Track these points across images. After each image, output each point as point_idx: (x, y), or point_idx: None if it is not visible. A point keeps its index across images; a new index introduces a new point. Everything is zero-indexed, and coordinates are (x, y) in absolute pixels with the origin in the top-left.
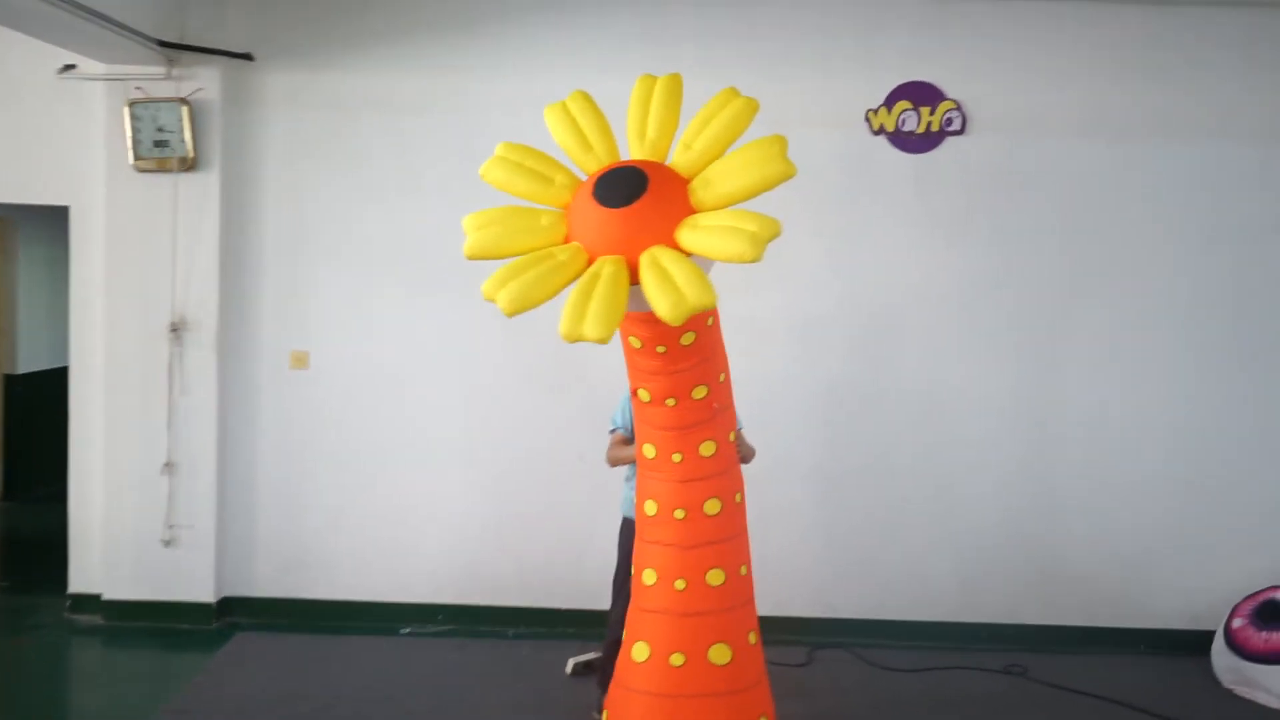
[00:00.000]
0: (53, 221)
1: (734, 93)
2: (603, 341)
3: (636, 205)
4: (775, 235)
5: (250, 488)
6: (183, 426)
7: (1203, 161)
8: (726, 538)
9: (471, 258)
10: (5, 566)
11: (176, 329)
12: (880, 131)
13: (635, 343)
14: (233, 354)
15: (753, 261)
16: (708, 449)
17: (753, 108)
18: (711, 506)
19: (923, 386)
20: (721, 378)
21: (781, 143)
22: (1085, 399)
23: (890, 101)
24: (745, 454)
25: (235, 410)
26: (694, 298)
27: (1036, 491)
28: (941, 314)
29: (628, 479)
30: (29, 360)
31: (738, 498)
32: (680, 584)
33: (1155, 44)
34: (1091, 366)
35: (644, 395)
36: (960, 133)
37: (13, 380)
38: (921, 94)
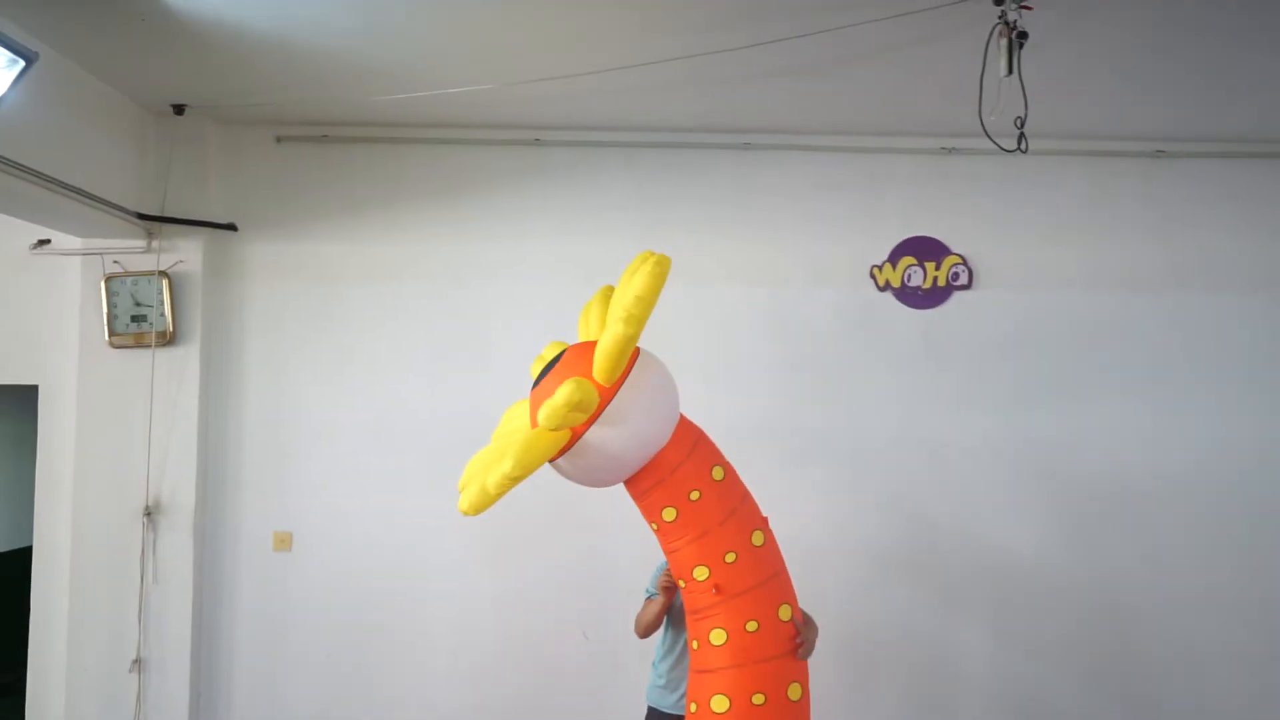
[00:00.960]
0: (16, 398)
1: (647, 255)
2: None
3: (543, 381)
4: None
5: (228, 686)
6: (155, 619)
7: (1206, 311)
8: None
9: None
10: None
11: (150, 513)
12: (886, 288)
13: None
14: (211, 537)
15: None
16: (718, 638)
17: (662, 265)
18: (718, 704)
19: (948, 558)
20: (730, 558)
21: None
22: (1112, 569)
23: (895, 257)
24: (807, 637)
25: (212, 600)
26: (472, 492)
27: (1069, 662)
28: (957, 480)
29: (655, 662)
30: None
31: (757, 699)
32: None
33: (1152, 195)
34: (1117, 532)
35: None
36: (968, 287)
37: None
38: (926, 249)
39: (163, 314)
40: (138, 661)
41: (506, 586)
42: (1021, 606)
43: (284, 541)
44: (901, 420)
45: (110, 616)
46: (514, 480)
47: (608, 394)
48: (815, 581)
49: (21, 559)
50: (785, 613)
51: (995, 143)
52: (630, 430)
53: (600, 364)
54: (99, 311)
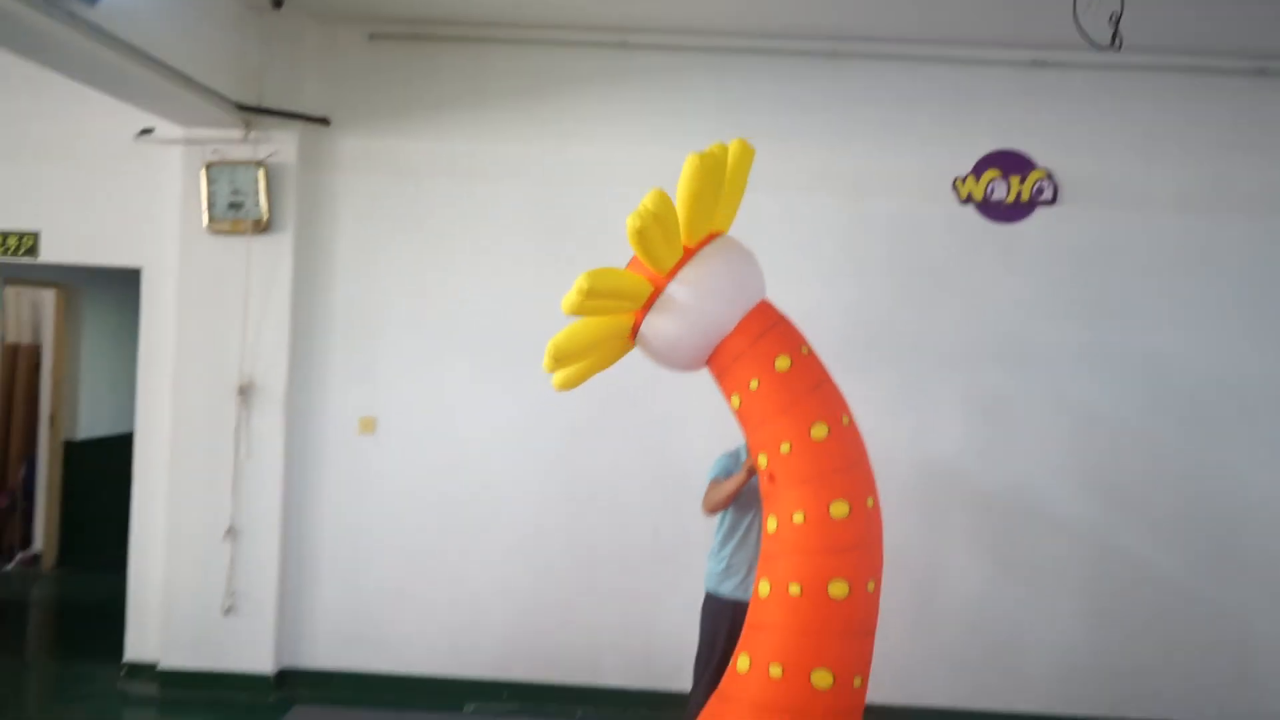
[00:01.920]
0: (118, 288)
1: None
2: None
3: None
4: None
5: (313, 555)
6: (247, 491)
7: None
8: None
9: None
10: (59, 634)
11: (244, 392)
12: (968, 200)
13: None
14: (300, 418)
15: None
16: (770, 523)
17: (748, 154)
18: (794, 588)
19: (1017, 465)
20: (785, 448)
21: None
22: (1185, 482)
23: (979, 170)
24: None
25: (300, 475)
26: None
27: (1138, 579)
28: (1033, 390)
29: (713, 553)
30: (89, 427)
31: (835, 586)
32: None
33: (1254, 116)
34: (1192, 445)
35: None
36: (1052, 203)
37: (73, 447)
38: (1012, 163)
39: (258, 202)
40: (231, 530)
41: (576, 477)
42: (1068, 509)
43: (369, 425)
44: (978, 330)
45: (206, 488)
46: (554, 361)
47: (660, 284)
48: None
49: (121, 445)
50: (870, 501)
51: (1088, 39)
52: (679, 318)
53: (640, 256)
54: (198, 198)
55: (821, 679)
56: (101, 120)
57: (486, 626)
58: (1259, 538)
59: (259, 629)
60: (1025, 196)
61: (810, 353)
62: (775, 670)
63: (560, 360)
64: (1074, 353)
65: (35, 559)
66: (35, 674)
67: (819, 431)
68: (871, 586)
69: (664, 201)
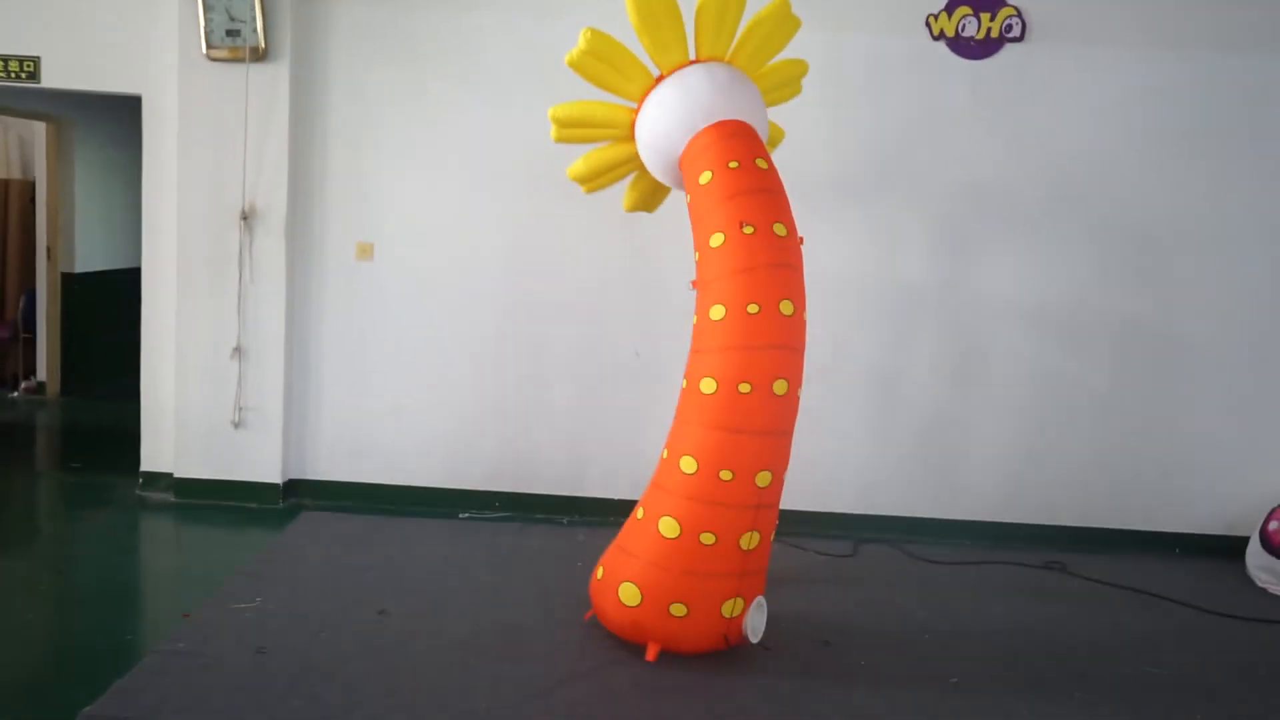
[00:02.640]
0: (109, 121)
1: (786, 6)
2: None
3: None
4: None
5: (316, 374)
6: (252, 313)
7: (1253, 75)
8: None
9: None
10: (73, 451)
11: (247, 217)
12: (940, 37)
13: None
14: (300, 243)
15: None
16: (716, 313)
17: (797, 25)
18: (706, 385)
19: (974, 292)
20: (715, 240)
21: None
22: (1129, 308)
23: (951, 7)
24: None
25: (302, 298)
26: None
27: (1075, 399)
28: (995, 221)
29: None
30: (86, 261)
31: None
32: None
33: None
34: (1138, 275)
35: None
36: (1020, 39)
37: (70, 279)
38: (983, 0)
39: (255, 30)
40: (238, 349)
41: (564, 296)
42: (1019, 336)
43: (366, 251)
44: (944, 165)
45: (213, 310)
46: (555, 123)
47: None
48: (851, 311)
49: (115, 279)
50: (786, 307)
51: None
52: (655, 112)
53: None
54: (196, 25)
55: (725, 474)
56: None
57: (478, 440)
58: (1184, 360)
59: (267, 442)
60: (995, 33)
61: (767, 165)
62: (687, 464)
63: (560, 126)
64: (1033, 191)
65: (39, 387)
66: (56, 484)
67: (749, 229)
68: (783, 388)
69: (596, 37)
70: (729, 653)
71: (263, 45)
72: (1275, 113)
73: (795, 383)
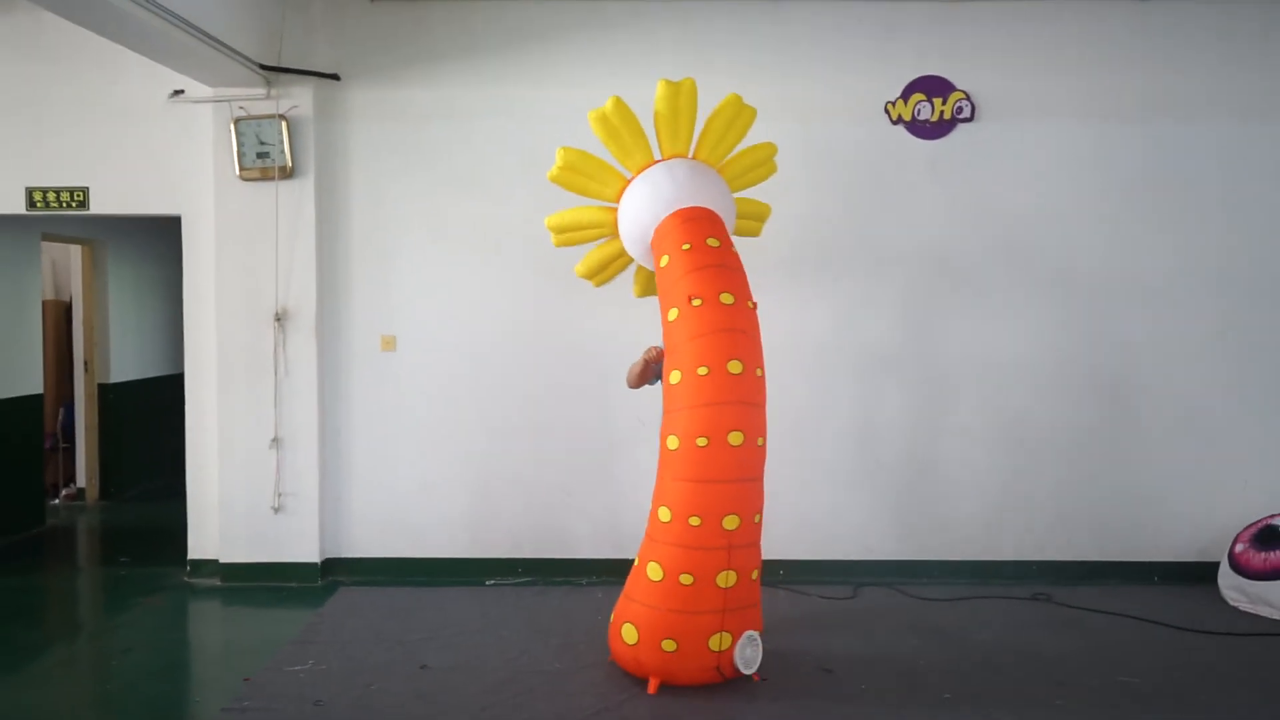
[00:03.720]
0: (138, 243)
1: (738, 100)
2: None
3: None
4: None
5: (348, 458)
6: (287, 405)
7: (1181, 140)
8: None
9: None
10: (119, 549)
11: (280, 318)
12: (899, 121)
13: None
14: (329, 339)
15: None
16: (674, 378)
17: (753, 114)
18: (671, 443)
19: (944, 349)
20: (671, 315)
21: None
22: (1088, 358)
23: (906, 94)
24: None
25: (333, 389)
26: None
27: (1047, 443)
28: (959, 282)
29: None
30: (120, 371)
31: (700, 440)
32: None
33: (1140, 33)
34: (1095, 325)
35: None
36: (970, 120)
37: (105, 389)
38: (934, 86)
39: (283, 151)
40: (276, 440)
41: (570, 372)
42: (991, 386)
43: (389, 343)
44: (909, 235)
45: (252, 405)
46: (552, 230)
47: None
48: (834, 372)
49: (148, 387)
50: (735, 366)
51: None
52: (633, 197)
53: (603, 141)
54: (229, 150)
55: (694, 520)
56: (137, 82)
57: (500, 512)
58: (1144, 401)
59: (305, 524)
60: (948, 115)
61: (720, 243)
62: (664, 513)
63: (557, 233)
64: (992, 254)
65: (79, 493)
66: (109, 578)
67: (696, 301)
68: (738, 439)
69: (569, 154)
70: (735, 683)
71: (290, 164)
72: (1208, 172)
73: (752, 433)
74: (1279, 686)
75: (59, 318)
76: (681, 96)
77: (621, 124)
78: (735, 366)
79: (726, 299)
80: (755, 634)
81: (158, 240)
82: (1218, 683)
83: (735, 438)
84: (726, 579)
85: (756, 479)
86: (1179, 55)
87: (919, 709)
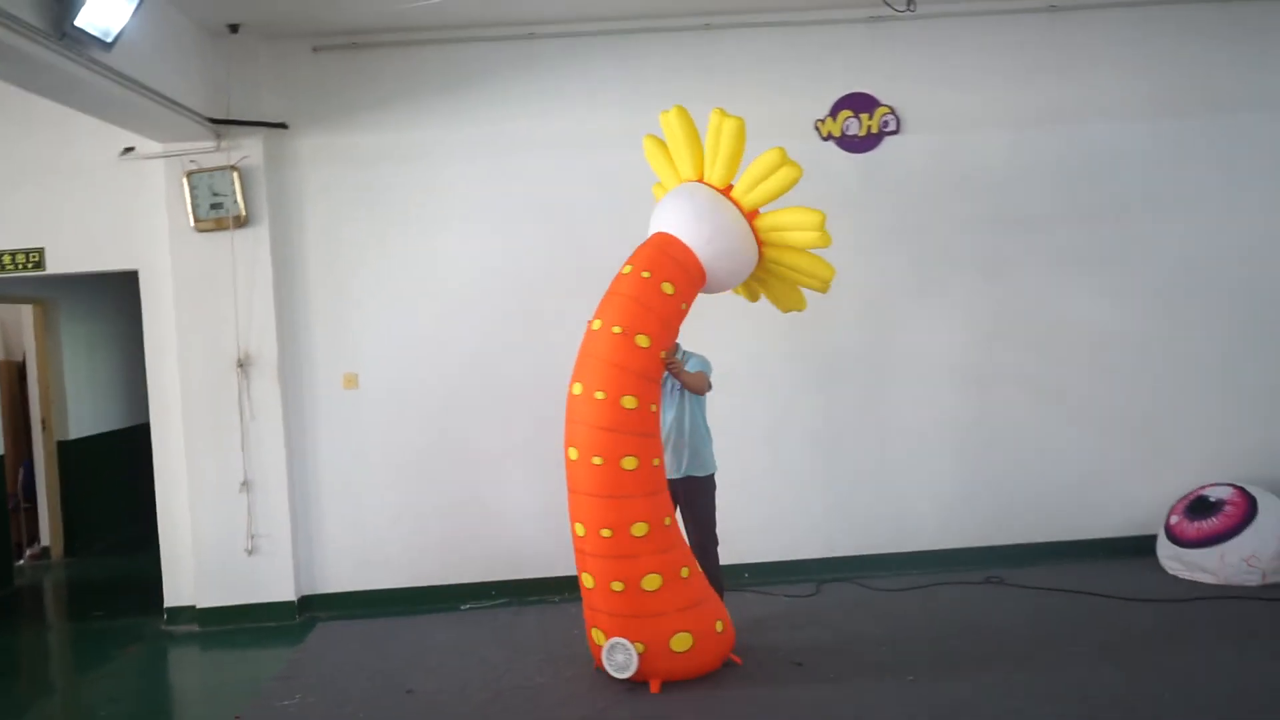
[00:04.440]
0: (90, 299)
1: (783, 154)
2: None
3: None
4: None
5: (318, 496)
6: (255, 449)
7: (1094, 140)
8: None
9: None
10: (91, 604)
11: (243, 364)
12: (829, 138)
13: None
14: (292, 380)
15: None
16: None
17: (795, 173)
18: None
19: (890, 355)
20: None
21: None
22: (1021, 354)
23: (835, 111)
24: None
25: (299, 429)
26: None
27: (994, 434)
28: (896, 291)
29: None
30: (78, 427)
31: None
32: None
33: (1051, 45)
34: (1027, 321)
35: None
36: (896, 133)
37: (65, 446)
38: (861, 103)
39: (236, 201)
40: (245, 483)
41: (540, 409)
42: (935, 389)
43: (351, 380)
44: (846, 247)
45: (220, 451)
46: None
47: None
48: (793, 381)
49: (105, 442)
50: (576, 388)
51: (890, 5)
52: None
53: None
54: (183, 203)
55: (605, 532)
56: (86, 140)
57: (471, 538)
58: (1076, 391)
59: (279, 564)
60: (875, 129)
61: (648, 276)
62: (579, 528)
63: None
64: (927, 260)
65: (43, 552)
66: (86, 632)
67: (595, 324)
68: (574, 455)
69: (682, 112)
70: (713, 676)
71: (244, 213)
72: (1126, 168)
73: (585, 451)
74: (1216, 643)
75: (12, 377)
76: (724, 131)
77: (684, 134)
78: (576, 388)
79: (595, 324)
80: (622, 641)
81: (109, 295)
82: (1161, 644)
83: (572, 453)
84: (587, 580)
85: (594, 494)
86: (1087, 62)
87: (885, 692)
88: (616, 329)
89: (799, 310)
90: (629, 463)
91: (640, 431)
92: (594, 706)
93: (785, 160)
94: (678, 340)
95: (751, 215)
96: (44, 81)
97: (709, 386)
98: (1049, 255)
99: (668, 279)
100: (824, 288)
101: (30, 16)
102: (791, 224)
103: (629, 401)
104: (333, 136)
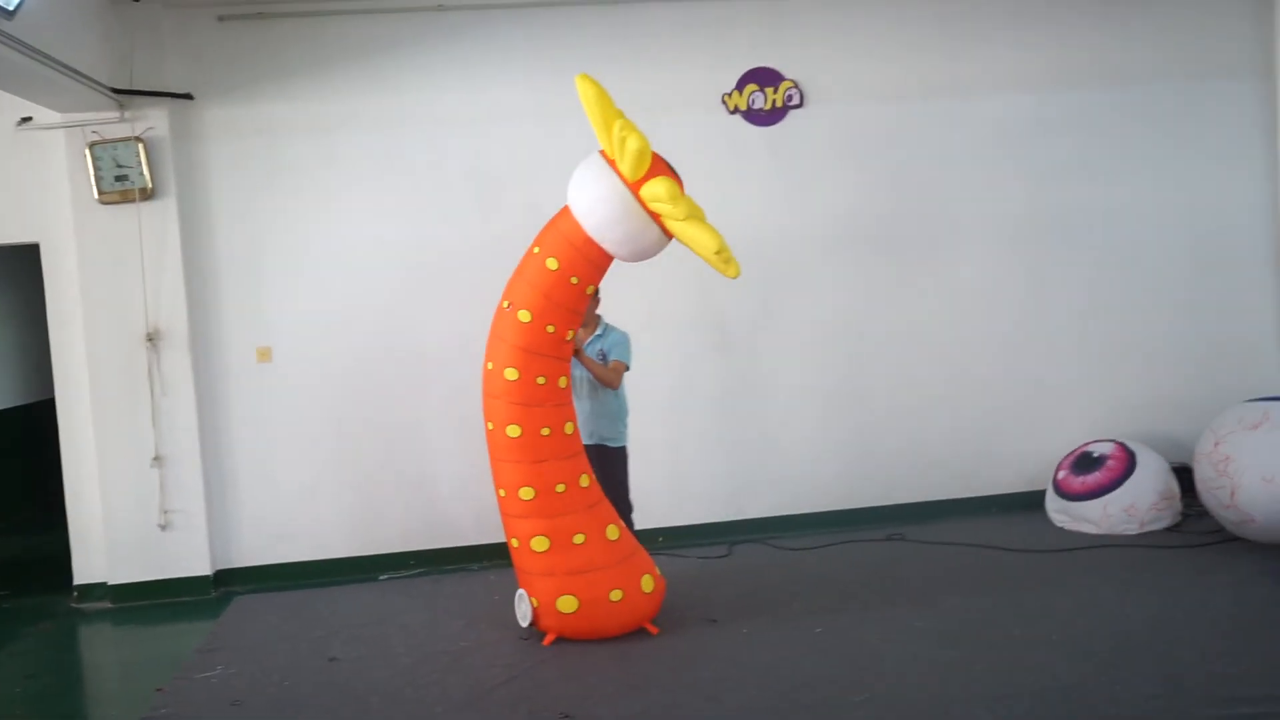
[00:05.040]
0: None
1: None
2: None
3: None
4: None
5: (232, 470)
6: (167, 423)
7: (989, 112)
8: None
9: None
10: None
11: (152, 339)
12: (735, 111)
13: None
14: (204, 355)
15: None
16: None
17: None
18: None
19: (790, 321)
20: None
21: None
22: (916, 319)
23: (741, 85)
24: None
25: (211, 403)
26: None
27: (893, 394)
28: (794, 258)
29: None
30: None
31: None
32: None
33: (943, 18)
34: (917, 286)
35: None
36: (800, 106)
37: None
38: (766, 77)
39: (141, 173)
40: (157, 459)
41: (449, 377)
42: (836, 350)
43: (265, 354)
44: (753, 216)
45: (130, 426)
46: None
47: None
48: (691, 347)
49: (11, 417)
50: (489, 364)
51: None
52: None
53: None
54: (86, 175)
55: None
56: None
57: (387, 508)
58: (967, 349)
59: (193, 538)
60: (780, 103)
61: (538, 251)
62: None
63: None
64: (825, 230)
65: None
66: None
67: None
68: (490, 426)
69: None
70: (630, 637)
71: (150, 185)
72: (1011, 140)
73: (497, 422)
74: (1097, 588)
75: None
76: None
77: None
78: (489, 364)
79: (504, 304)
80: (521, 591)
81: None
82: (1048, 591)
83: (488, 425)
84: (512, 542)
85: (501, 460)
86: (977, 36)
87: (795, 643)
88: (505, 304)
89: (729, 276)
90: (513, 430)
91: (522, 401)
92: (519, 667)
93: (628, 128)
94: (598, 313)
95: (635, 186)
96: None
97: (619, 382)
98: (940, 223)
99: (553, 254)
100: (721, 265)
101: None
102: (653, 195)
103: (510, 374)
104: (240, 108)
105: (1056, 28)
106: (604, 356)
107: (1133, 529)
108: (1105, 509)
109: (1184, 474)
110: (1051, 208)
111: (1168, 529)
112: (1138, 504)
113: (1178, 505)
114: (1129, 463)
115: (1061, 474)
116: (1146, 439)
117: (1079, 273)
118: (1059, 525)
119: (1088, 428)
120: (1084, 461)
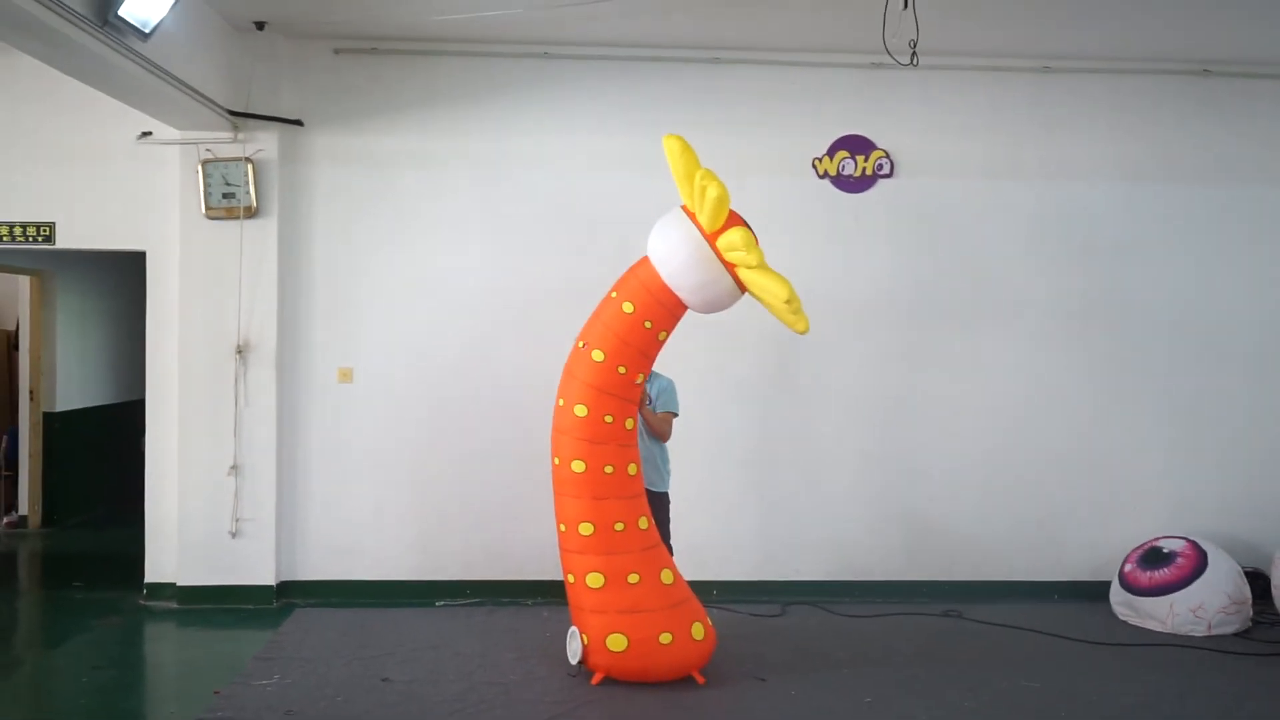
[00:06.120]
0: (87, 275)
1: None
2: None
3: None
4: None
5: (304, 485)
6: (246, 434)
7: (1073, 197)
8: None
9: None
10: (69, 574)
11: (241, 351)
12: (825, 176)
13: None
14: (289, 371)
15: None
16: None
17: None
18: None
19: (862, 385)
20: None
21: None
22: (989, 397)
23: (832, 151)
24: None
25: (291, 419)
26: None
27: (959, 469)
28: (871, 325)
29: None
30: (65, 400)
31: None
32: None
33: (1038, 103)
34: (999, 361)
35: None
36: (890, 176)
37: (51, 417)
38: (857, 145)
39: (248, 192)
40: (235, 467)
41: (524, 414)
42: (920, 424)
43: (346, 375)
44: (842, 277)
45: (212, 433)
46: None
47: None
48: (759, 406)
49: (91, 416)
50: (633, 468)
51: (893, 58)
52: None
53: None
54: (196, 190)
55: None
56: (105, 124)
57: (450, 536)
58: (1048, 438)
59: (261, 548)
60: (869, 171)
61: (615, 296)
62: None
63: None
64: (907, 293)
65: (21, 520)
66: (65, 601)
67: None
68: (609, 470)
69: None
70: (677, 684)
71: (254, 204)
72: (1099, 224)
73: (564, 458)
74: (1158, 688)
75: (2, 346)
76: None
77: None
78: (560, 400)
79: (580, 343)
80: (573, 629)
81: (108, 273)
82: (1105, 684)
83: (554, 460)
84: (568, 577)
85: (564, 494)
86: (1071, 122)
87: (843, 709)
88: (580, 343)
89: (798, 331)
90: (578, 466)
91: (589, 438)
92: (566, 704)
93: (709, 178)
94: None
95: (712, 237)
96: (79, 65)
97: (669, 433)
98: (1020, 302)
99: (629, 299)
100: (790, 316)
101: (77, 4)
102: (729, 244)
103: (580, 410)
104: (346, 137)
105: (1157, 114)
106: (651, 401)
107: (1199, 630)
108: (1172, 607)
109: (1257, 579)
110: (1135, 297)
111: (1236, 634)
112: (1206, 605)
113: (1248, 610)
114: (1199, 561)
115: (1128, 567)
116: (1219, 539)
117: (1159, 364)
118: (1122, 619)
119: (1159, 522)
120: (1153, 556)
